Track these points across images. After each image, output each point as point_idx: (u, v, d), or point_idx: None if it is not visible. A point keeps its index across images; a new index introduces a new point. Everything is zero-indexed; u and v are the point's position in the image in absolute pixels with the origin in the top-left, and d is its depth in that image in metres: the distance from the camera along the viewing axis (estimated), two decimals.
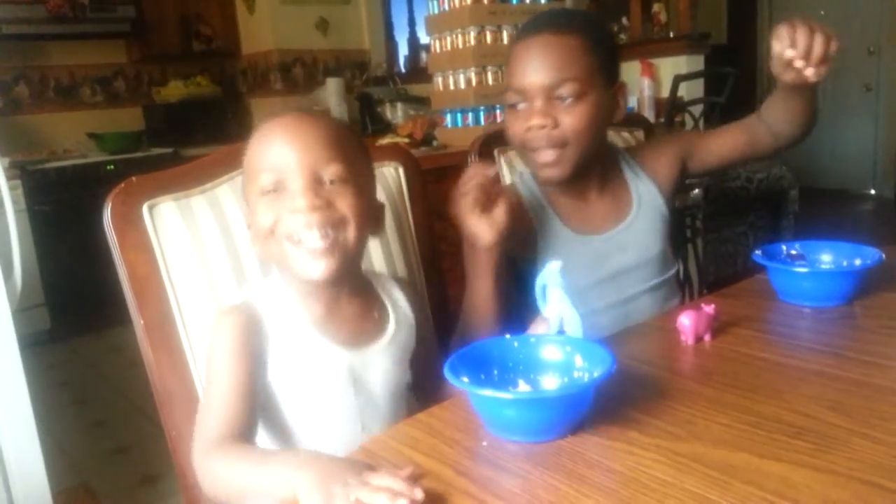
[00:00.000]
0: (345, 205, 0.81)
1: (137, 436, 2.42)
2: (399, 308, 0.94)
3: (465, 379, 0.70)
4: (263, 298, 0.86)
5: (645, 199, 1.18)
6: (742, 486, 0.59)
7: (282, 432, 0.87)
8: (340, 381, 0.85)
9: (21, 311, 1.88)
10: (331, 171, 0.81)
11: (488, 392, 0.68)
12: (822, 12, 6.15)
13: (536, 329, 0.82)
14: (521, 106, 1.07)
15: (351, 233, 0.82)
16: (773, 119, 1.15)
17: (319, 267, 0.80)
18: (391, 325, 0.91)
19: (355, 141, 0.88)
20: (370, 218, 0.86)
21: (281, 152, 0.80)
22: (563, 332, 0.79)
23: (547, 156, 1.06)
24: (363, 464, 0.64)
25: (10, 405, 1.54)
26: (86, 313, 3.49)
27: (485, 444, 0.69)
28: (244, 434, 0.76)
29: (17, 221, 1.97)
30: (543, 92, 1.03)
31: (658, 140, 1.35)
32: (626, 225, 1.16)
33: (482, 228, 0.94)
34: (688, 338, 0.90)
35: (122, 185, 0.92)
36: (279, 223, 0.81)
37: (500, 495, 0.61)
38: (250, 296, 0.87)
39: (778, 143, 1.17)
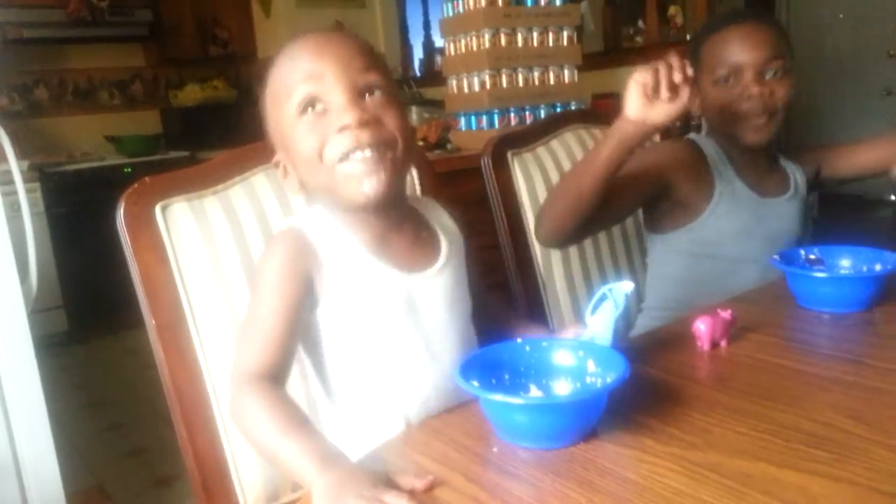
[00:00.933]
0: (391, 122, 0.77)
1: (152, 438, 2.43)
2: (448, 231, 0.90)
3: (476, 383, 0.69)
4: (313, 226, 0.81)
5: (799, 185, 1.32)
6: (759, 497, 0.57)
7: (351, 368, 0.83)
8: (401, 308, 0.81)
9: (38, 313, 1.89)
10: (370, 79, 0.76)
11: (499, 397, 0.67)
12: (841, 15, 6.10)
13: (567, 332, 0.81)
14: (731, 81, 1.21)
15: (399, 152, 0.78)
16: None
17: (372, 184, 0.75)
18: (444, 248, 0.87)
19: (384, 58, 0.86)
20: (413, 140, 0.83)
21: (316, 63, 0.75)
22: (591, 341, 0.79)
23: (760, 120, 1.21)
24: (382, 475, 0.62)
25: (26, 406, 1.55)
26: (103, 315, 3.51)
27: (495, 450, 0.68)
28: (280, 370, 0.75)
29: (35, 224, 1.99)
30: (759, 66, 1.20)
31: (799, 147, 1.47)
32: (785, 198, 1.30)
33: (635, 99, 0.98)
34: (704, 343, 0.89)
35: (135, 185, 0.92)
36: (326, 145, 0.75)
37: (511, 503, 0.60)
38: (299, 223, 0.82)
39: None
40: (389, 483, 0.61)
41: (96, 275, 3.40)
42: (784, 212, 1.29)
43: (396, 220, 0.84)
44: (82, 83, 4.37)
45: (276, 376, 0.74)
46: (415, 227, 0.87)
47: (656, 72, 0.96)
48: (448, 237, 0.89)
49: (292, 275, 0.77)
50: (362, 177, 0.76)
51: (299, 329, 0.79)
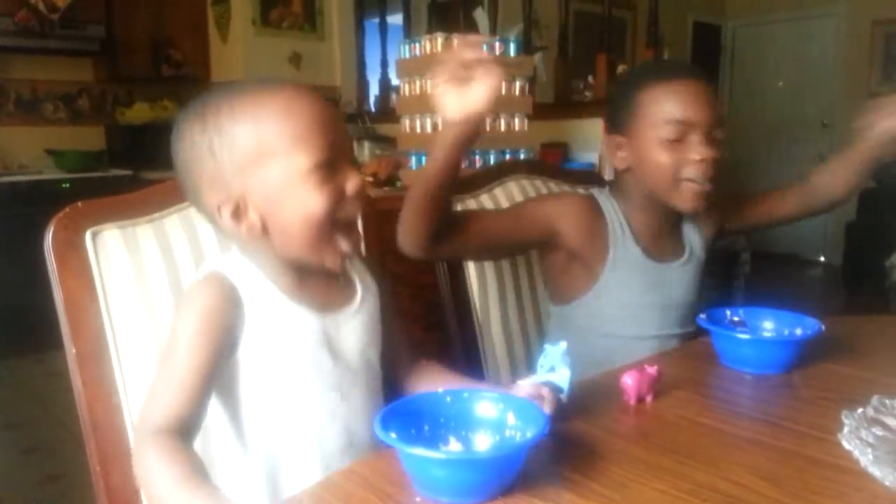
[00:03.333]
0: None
1: (70, 464, 2.32)
2: (364, 278, 0.92)
3: (394, 435, 0.68)
4: (234, 271, 0.82)
5: (695, 247, 1.28)
6: None
7: (265, 406, 0.83)
8: (316, 347, 0.83)
9: None
10: (353, 149, 0.83)
11: (418, 451, 0.66)
12: (780, 83, 6.42)
13: (518, 389, 0.80)
14: (679, 141, 1.13)
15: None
16: (830, 184, 1.30)
17: (352, 250, 0.82)
18: (359, 292, 0.90)
19: None
20: None
21: (333, 128, 0.79)
22: (549, 382, 0.81)
23: (704, 186, 1.15)
24: None
25: None
26: (26, 334, 3.36)
27: (418, 500, 0.68)
28: (190, 424, 0.73)
29: None
30: (709, 126, 1.13)
31: None
32: (680, 263, 1.25)
33: (451, 98, 0.92)
34: (630, 398, 0.91)
35: (67, 209, 0.90)
36: (338, 206, 0.78)
37: None
38: (220, 267, 0.82)
39: (828, 205, 1.32)
40: None
41: (22, 292, 3.26)
42: (680, 277, 1.24)
43: (317, 270, 0.86)
44: (26, 94, 4.25)
45: (183, 430, 0.73)
46: (334, 275, 0.89)
47: (450, 63, 0.91)
48: (363, 283, 0.91)
49: (213, 327, 0.77)
50: (349, 244, 0.82)
51: (214, 383, 0.78)
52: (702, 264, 1.28)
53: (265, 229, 0.79)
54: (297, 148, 0.76)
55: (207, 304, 0.78)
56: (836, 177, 1.29)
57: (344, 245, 0.81)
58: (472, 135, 0.98)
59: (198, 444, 0.76)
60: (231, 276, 0.81)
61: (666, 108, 1.14)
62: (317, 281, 0.86)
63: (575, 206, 1.22)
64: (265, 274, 0.82)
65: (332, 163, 0.77)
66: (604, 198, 1.25)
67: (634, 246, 1.21)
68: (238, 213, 0.78)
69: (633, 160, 1.20)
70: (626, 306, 1.20)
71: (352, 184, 0.78)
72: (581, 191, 1.39)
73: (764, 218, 1.36)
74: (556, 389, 0.81)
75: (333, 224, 0.79)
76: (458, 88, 0.92)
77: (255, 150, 0.76)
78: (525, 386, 0.80)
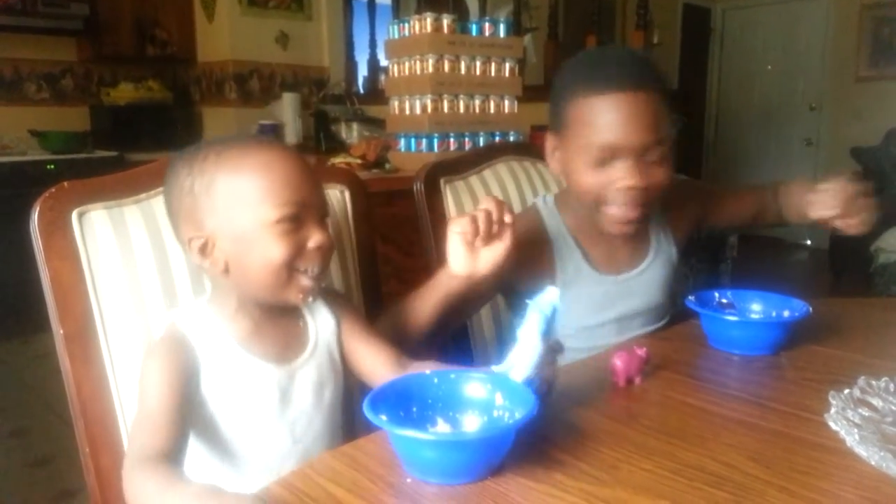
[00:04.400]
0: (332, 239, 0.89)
1: (57, 448, 2.32)
2: (321, 316, 0.93)
3: (384, 417, 0.68)
4: (190, 321, 0.86)
5: (661, 249, 1.20)
6: None
7: (220, 446, 0.87)
8: (270, 397, 0.86)
9: None
10: (325, 206, 0.88)
11: (408, 432, 0.67)
12: (769, 67, 6.43)
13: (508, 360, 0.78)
14: (607, 164, 1.03)
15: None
16: (788, 208, 1.21)
17: (313, 294, 0.86)
18: (312, 336, 0.92)
19: None
20: None
21: (298, 189, 0.83)
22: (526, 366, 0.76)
23: (630, 213, 1.06)
24: (254, 500, 0.61)
25: None
26: (12, 317, 3.34)
27: (409, 480, 0.68)
28: (172, 453, 0.74)
29: None
30: (638, 152, 1.02)
31: (686, 188, 1.29)
32: (640, 270, 1.18)
33: (459, 254, 0.90)
34: (619, 379, 0.91)
35: (53, 189, 0.89)
36: (299, 258, 0.83)
37: None
38: (177, 320, 0.86)
39: (778, 224, 1.25)
40: None
41: (8, 275, 3.24)
42: (640, 286, 1.17)
43: (279, 310, 0.89)
44: (8, 73, 4.19)
45: (168, 457, 0.73)
46: (291, 316, 0.92)
47: (475, 221, 0.88)
48: (317, 326, 0.93)
49: (173, 372, 0.80)
50: (311, 287, 0.85)
51: (190, 411, 0.81)
52: (673, 263, 1.22)
53: (227, 268, 0.84)
54: (266, 200, 0.81)
55: (165, 354, 0.82)
56: (793, 208, 1.20)
57: (305, 283, 0.85)
58: (469, 294, 0.96)
59: None
60: (184, 327, 0.85)
61: (592, 130, 1.03)
62: (274, 329, 0.89)
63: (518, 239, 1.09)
64: (224, 321, 0.87)
65: (297, 218, 0.83)
66: (548, 211, 1.18)
67: (583, 263, 1.14)
68: (205, 249, 0.84)
69: (564, 170, 1.12)
70: (581, 326, 1.13)
71: (314, 240, 0.83)
72: (527, 205, 1.30)
73: (733, 219, 1.29)
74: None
75: (292, 272, 0.84)
76: (469, 244, 0.90)
77: (228, 197, 0.82)
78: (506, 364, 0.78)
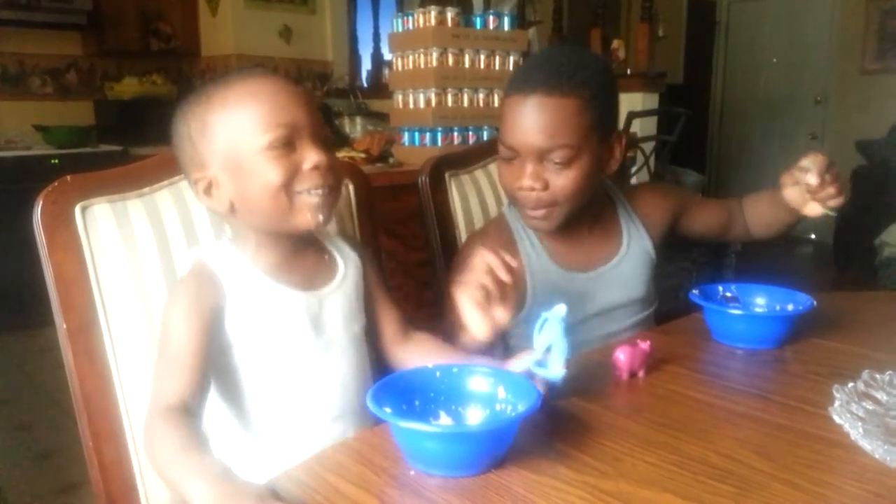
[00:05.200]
0: (341, 168, 0.90)
1: (62, 440, 2.33)
2: (346, 253, 0.96)
3: (388, 409, 0.68)
4: (217, 257, 0.87)
5: (634, 241, 1.20)
6: None
7: (243, 395, 0.88)
8: (300, 323, 0.87)
9: None
10: (326, 133, 0.88)
11: (411, 424, 0.67)
12: (775, 60, 6.39)
13: (513, 363, 0.81)
14: (513, 161, 1.07)
15: (339, 192, 0.89)
16: (754, 218, 1.23)
17: (324, 215, 0.85)
18: (340, 268, 0.94)
19: None
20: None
21: (292, 111, 0.83)
22: (543, 364, 0.79)
23: (536, 213, 1.08)
24: (270, 496, 0.61)
25: None
26: (16, 310, 3.35)
27: (412, 473, 0.68)
28: (195, 399, 0.77)
29: None
30: (535, 154, 1.04)
31: (658, 187, 1.39)
32: (613, 264, 1.18)
33: (478, 321, 0.86)
34: (622, 373, 0.91)
35: (55, 183, 0.89)
36: (296, 179, 0.83)
37: None
38: (202, 256, 0.87)
39: (747, 237, 1.25)
40: None
41: (12, 268, 3.24)
42: (615, 279, 1.17)
43: (301, 244, 0.91)
44: (12, 68, 4.19)
45: (189, 407, 0.76)
46: (315, 250, 0.94)
47: (483, 287, 0.86)
48: (345, 260, 0.95)
49: (198, 309, 0.82)
50: (318, 208, 0.85)
51: (211, 358, 0.82)
52: (650, 255, 1.21)
53: (232, 206, 0.85)
54: (256, 128, 0.82)
55: (191, 289, 0.84)
56: (761, 217, 1.21)
57: (308, 201, 0.84)
58: (493, 340, 0.92)
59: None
60: (210, 261, 0.86)
61: (502, 128, 1.08)
62: (301, 259, 0.90)
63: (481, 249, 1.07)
64: (249, 257, 0.88)
65: (290, 140, 0.83)
66: (513, 216, 1.18)
67: (550, 263, 1.14)
68: (209, 189, 0.85)
69: None
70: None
71: (309, 160, 0.83)
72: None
73: (703, 228, 1.27)
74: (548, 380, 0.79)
75: (293, 195, 0.84)
76: (483, 301, 0.86)
77: (220, 132, 0.83)
78: (517, 368, 0.80)
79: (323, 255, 0.94)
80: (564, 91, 1.02)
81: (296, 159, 0.83)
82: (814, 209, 1.07)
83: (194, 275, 0.85)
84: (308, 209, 0.84)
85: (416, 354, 0.96)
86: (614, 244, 1.19)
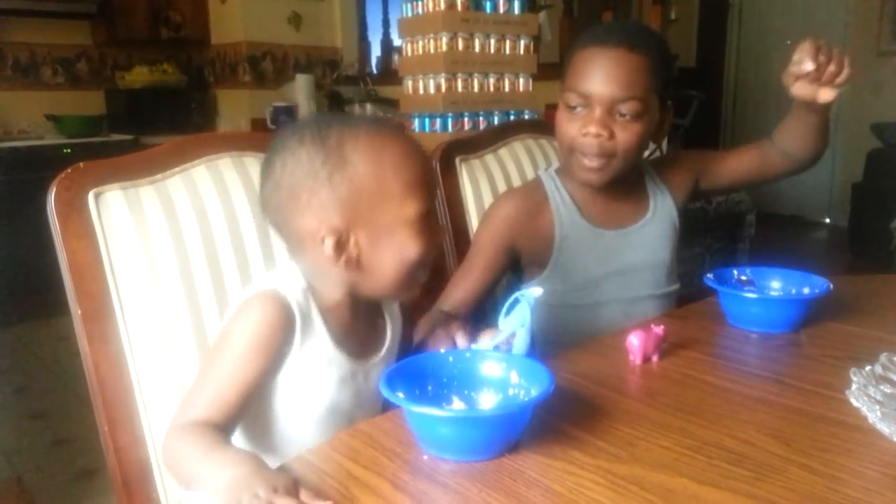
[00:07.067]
0: None
1: (78, 428, 2.35)
2: (395, 315, 0.93)
3: (401, 394, 0.68)
4: (297, 302, 0.80)
5: (660, 207, 1.23)
6: None
7: (268, 429, 0.85)
8: (345, 390, 0.85)
9: None
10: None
11: (424, 409, 0.67)
12: (789, 42, 6.30)
13: (482, 340, 0.82)
14: (579, 110, 1.10)
15: None
16: (786, 141, 1.22)
17: (411, 298, 0.87)
18: (388, 336, 0.91)
19: None
20: None
21: (433, 181, 0.85)
22: (502, 349, 0.79)
23: (594, 162, 1.10)
24: (288, 479, 0.62)
25: None
26: (32, 299, 3.38)
27: (425, 457, 0.68)
28: (220, 428, 0.73)
29: None
30: (607, 104, 1.08)
31: (676, 155, 1.45)
32: (639, 226, 1.21)
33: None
34: (636, 357, 0.90)
35: (69, 170, 0.89)
36: (427, 256, 0.82)
37: None
38: (282, 289, 0.81)
39: (791, 165, 1.24)
40: (291, 490, 0.60)
41: (28, 257, 3.27)
42: (642, 240, 1.20)
43: (365, 312, 0.87)
44: (24, 58, 4.20)
45: (218, 427, 0.73)
46: (378, 314, 0.91)
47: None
48: (393, 323, 0.92)
49: (266, 345, 0.77)
50: (422, 283, 0.85)
51: (253, 401, 0.78)
52: (674, 222, 1.24)
53: (359, 264, 0.80)
54: (409, 195, 0.78)
55: (265, 321, 0.78)
56: (792, 133, 1.22)
57: (421, 280, 0.84)
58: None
59: None
60: (293, 305, 0.80)
61: (571, 77, 1.11)
62: (362, 324, 0.87)
63: (515, 209, 1.17)
64: (322, 312, 0.82)
65: (431, 214, 0.82)
66: (547, 177, 1.21)
67: (580, 219, 1.17)
68: (340, 245, 0.79)
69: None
70: (582, 279, 1.17)
71: (439, 236, 0.84)
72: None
73: (735, 175, 1.28)
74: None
75: (419, 269, 0.82)
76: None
77: (373, 191, 0.78)
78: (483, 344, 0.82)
79: (378, 319, 0.90)
80: (642, 50, 1.08)
81: (433, 233, 0.82)
82: (826, 94, 1.08)
83: (273, 305, 0.78)
84: (418, 286, 0.84)
85: None
86: (642, 207, 1.22)
